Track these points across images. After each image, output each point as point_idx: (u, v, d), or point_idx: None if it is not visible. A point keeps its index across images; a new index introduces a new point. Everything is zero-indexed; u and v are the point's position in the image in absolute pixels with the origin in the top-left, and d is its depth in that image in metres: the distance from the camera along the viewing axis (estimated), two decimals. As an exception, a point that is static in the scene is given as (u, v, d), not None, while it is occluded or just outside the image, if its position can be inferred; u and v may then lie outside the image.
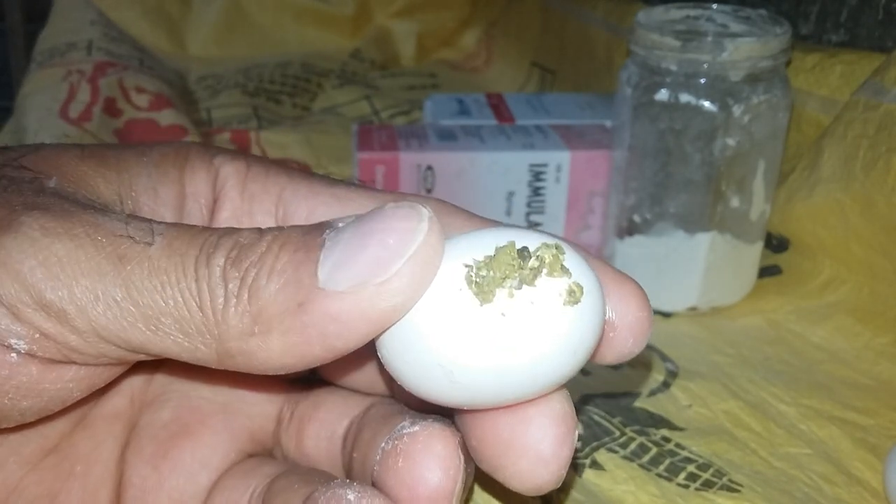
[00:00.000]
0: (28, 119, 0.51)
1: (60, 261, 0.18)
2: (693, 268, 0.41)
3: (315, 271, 0.18)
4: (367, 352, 0.20)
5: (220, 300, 0.18)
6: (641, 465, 0.31)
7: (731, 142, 0.38)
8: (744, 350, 0.39)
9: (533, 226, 0.46)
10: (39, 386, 0.19)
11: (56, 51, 0.59)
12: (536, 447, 0.20)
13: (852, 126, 0.40)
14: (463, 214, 0.22)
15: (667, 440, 0.33)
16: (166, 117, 0.55)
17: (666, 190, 0.40)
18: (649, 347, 0.39)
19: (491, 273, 0.18)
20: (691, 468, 0.31)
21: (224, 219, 0.23)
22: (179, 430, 0.24)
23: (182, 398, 0.24)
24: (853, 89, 0.41)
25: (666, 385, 0.36)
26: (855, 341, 0.39)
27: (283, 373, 0.19)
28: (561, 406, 0.20)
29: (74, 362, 0.19)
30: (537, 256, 0.18)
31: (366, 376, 0.24)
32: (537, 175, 0.45)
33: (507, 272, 0.18)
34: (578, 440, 0.22)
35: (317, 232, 0.19)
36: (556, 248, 0.18)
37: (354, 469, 0.23)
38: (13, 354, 0.18)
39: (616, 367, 0.37)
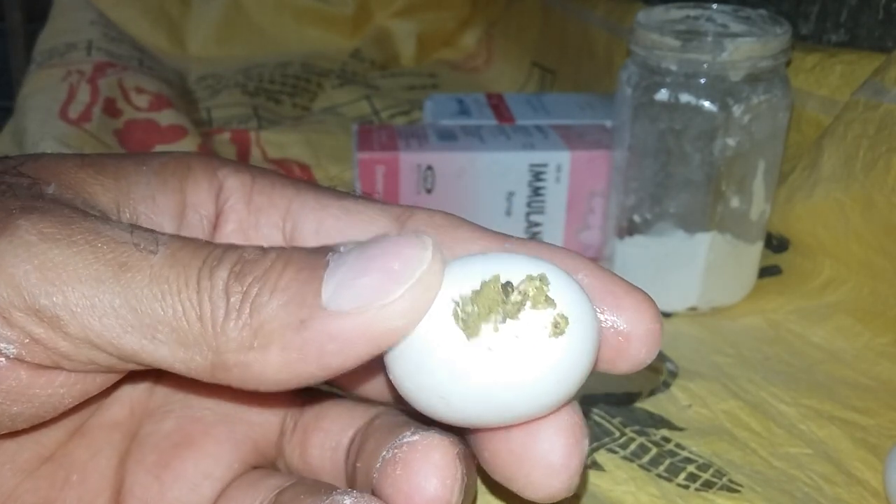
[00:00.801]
0: (28, 120, 0.51)
1: (57, 266, 0.18)
2: (693, 268, 0.41)
3: (319, 290, 0.18)
4: (376, 363, 0.20)
5: (221, 312, 0.18)
6: (641, 466, 0.31)
7: (731, 142, 0.38)
8: (744, 350, 0.39)
9: (533, 226, 0.46)
10: (29, 391, 0.19)
11: (56, 51, 0.59)
12: (547, 458, 0.20)
13: (852, 126, 0.40)
14: (467, 227, 0.22)
15: (667, 440, 0.33)
16: (166, 117, 0.55)
17: (666, 190, 0.40)
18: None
19: (476, 308, 0.18)
20: (691, 468, 0.31)
21: (230, 231, 0.23)
22: (182, 440, 0.23)
23: (185, 408, 0.24)
24: (853, 89, 0.41)
25: (666, 385, 0.36)
26: (855, 341, 0.39)
27: (273, 390, 0.19)
28: (569, 417, 0.21)
29: (63, 368, 0.19)
30: (520, 290, 0.19)
31: (374, 386, 0.24)
32: (537, 175, 0.45)
33: (491, 307, 0.18)
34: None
35: (321, 253, 0.19)
36: (541, 280, 0.19)
37: (358, 479, 0.23)
38: (1, 358, 0.18)
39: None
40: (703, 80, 0.37)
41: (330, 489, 0.22)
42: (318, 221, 0.23)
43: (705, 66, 0.37)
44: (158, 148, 0.52)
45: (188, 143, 0.53)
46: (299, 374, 0.18)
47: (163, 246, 0.19)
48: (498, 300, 0.18)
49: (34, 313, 0.18)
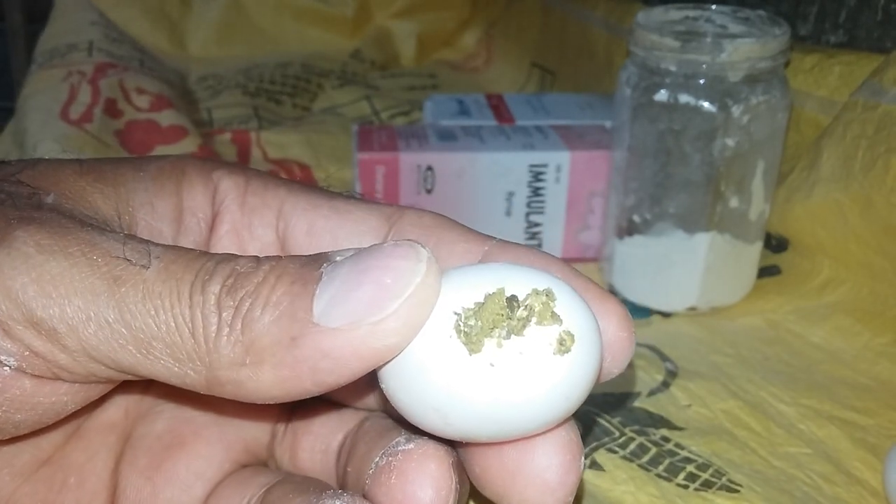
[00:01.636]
0: (29, 120, 0.51)
1: (54, 279, 0.18)
2: (693, 268, 0.41)
3: (310, 306, 0.18)
4: (368, 374, 0.20)
5: (213, 328, 0.18)
6: (641, 466, 0.31)
7: (730, 142, 0.38)
8: (743, 350, 0.39)
9: (533, 226, 0.46)
10: (33, 399, 0.19)
11: (57, 52, 0.59)
12: (542, 475, 0.20)
13: (851, 126, 0.40)
14: (455, 229, 0.22)
15: (666, 440, 0.33)
16: (167, 118, 0.55)
17: (665, 190, 0.40)
18: (649, 347, 0.39)
19: (479, 323, 0.18)
20: (691, 468, 0.31)
21: (224, 232, 0.23)
22: (174, 442, 0.24)
23: (176, 410, 0.24)
24: (852, 90, 0.41)
25: (665, 385, 0.36)
26: (854, 341, 0.39)
27: (269, 403, 0.19)
28: (566, 433, 0.20)
29: (63, 380, 0.19)
30: (526, 306, 0.18)
31: (359, 394, 0.24)
32: (537, 175, 0.45)
33: (496, 322, 0.18)
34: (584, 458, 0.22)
35: (315, 264, 0.18)
36: (547, 295, 0.18)
37: (349, 483, 0.23)
38: (6, 368, 0.18)
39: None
40: (702, 81, 0.38)
41: (319, 487, 0.22)
42: (309, 222, 0.23)
43: (704, 66, 0.37)
44: (159, 148, 0.52)
45: (189, 144, 0.53)
46: (293, 390, 0.18)
47: (156, 259, 0.18)
48: (503, 315, 0.18)
49: (32, 326, 0.18)
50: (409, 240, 0.18)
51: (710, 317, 0.42)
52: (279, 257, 0.19)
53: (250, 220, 0.23)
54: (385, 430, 0.22)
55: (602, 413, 0.34)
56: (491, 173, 0.45)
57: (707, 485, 0.30)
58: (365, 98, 0.70)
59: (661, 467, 0.31)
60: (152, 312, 0.18)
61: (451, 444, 0.21)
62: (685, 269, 0.41)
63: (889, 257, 0.39)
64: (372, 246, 0.18)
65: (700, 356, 0.38)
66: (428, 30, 0.82)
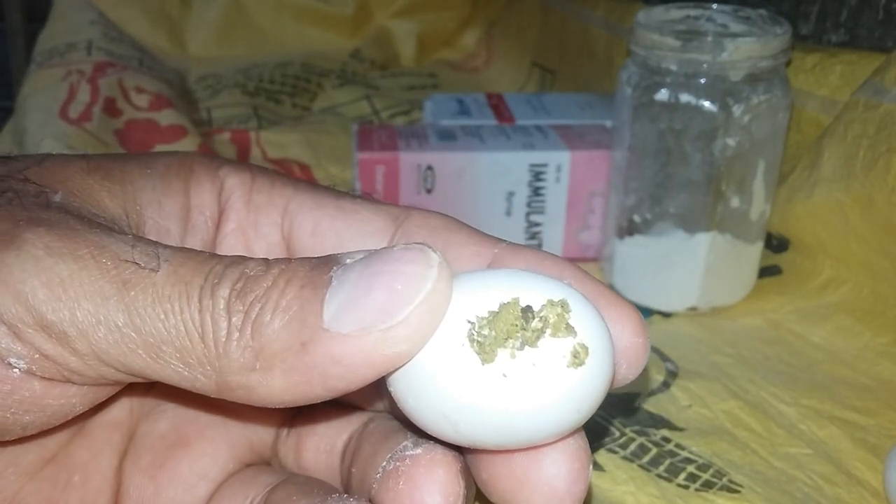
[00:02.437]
0: (28, 119, 0.51)
1: (63, 282, 0.18)
2: (693, 268, 0.41)
3: (320, 311, 0.17)
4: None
5: (223, 333, 0.18)
6: (641, 466, 0.31)
7: (731, 142, 0.38)
8: (744, 350, 0.39)
9: (533, 226, 0.46)
10: (43, 401, 0.19)
11: (56, 51, 0.59)
12: (550, 484, 0.20)
13: (852, 126, 0.40)
14: (463, 231, 0.22)
15: (667, 440, 0.33)
16: (166, 117, 0.55)
17: (666, 190, 0.40)
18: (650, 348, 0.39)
19: (493, 333, 0.18)
20: (691, 468, 0.31)
21: (230, 231, 0.23)
22: (177, 441, 0.23)
23: (180, 408, 0.24)
24: (853, 89, 0.41)
25: (666, 385, 0.36)
26: (855, 341, 0.39)
27: (280, 407, 0.19)
28: (575, 441, 0.20)
29: (73, 383, 0.19)
30: (541, 317, 0.18)
31: (365, 396, 0.24)
32: (537, 175, 0.45)
33: (510, 332, 0.18)
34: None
35: (324, 268, 0.18)
36: (562, 307, 0.18)
37: (353, 485, 0.23)
38: (15, 370, 0.18)
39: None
40: (703, 80, 0.37)
41: (323, 488, 0.22)
42: (314, 221, 0.23)
43: (705, 66, 0.37)
44: (158, 148, 0.52)
45: (188, 143, 0.53)
46: (304, 396, 0.18)
47: (165, 262, 0.18)
48: (517, 325, 0.18)
49: (42, 329, 0.18)
50: (419, 243, 0.18)
51: (711, 317, 0.42)
52: (288, 260, 0.19)
53: (256, 218, 0.23)
54: (391, 433, 0.22)
55: (602, 413, 0.34)
56: (491, 173, 0.45)
57: (708, 485, 0.30)
58: (365, 98, 0.70)
59: (661, 468, 0.31)
60: (162, 316, 0.18)
61: (459, 449, 0.21)
62: (686, 269, 0.41)
63: (890, 257, 0.39)
64: (382, 249, 0.18)
65: (700, 356, 0.38)
66: (428, 29, 0.82)
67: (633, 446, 0.32)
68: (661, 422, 0.34)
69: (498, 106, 0.53)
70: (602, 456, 0.32)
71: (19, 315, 0.18)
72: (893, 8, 0.45)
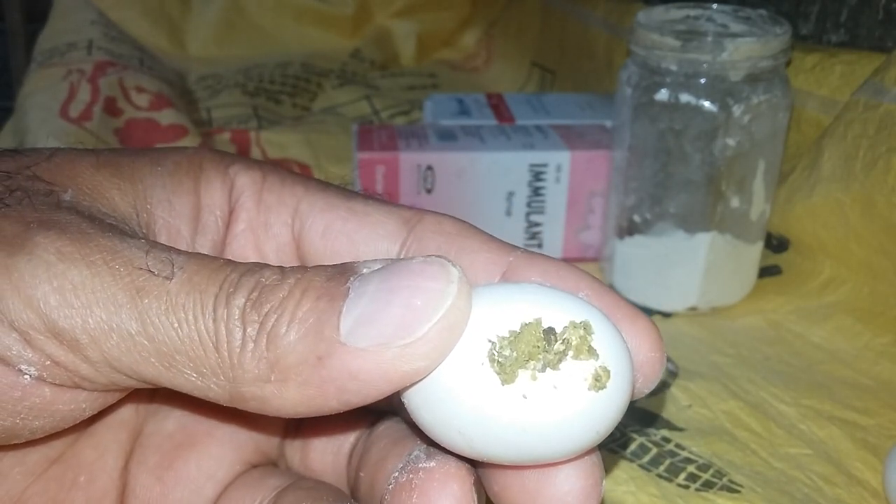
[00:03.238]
0: (29, 118, 0.51)
1: (75, 288, 0.17)
2: (693, 268, 0.41)
3: (337, 324, 0.17)
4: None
5: (238, 343, 0.18)
6: (642, 466, 0.31)
7: (731, 142, 0.38)
8: (744, 350, 0.39)
9: (533, 226, 0.46)
10: (52, 407, 0.19)
11: (56, 51, 0.59)
12: (563, 500, 0.20)
13: (852, 126, 0.40)
14: (476, 237, 0.22)
15: (667, 440, 0.33)
16: (166, 117, 0.55)
17: (666, 190, 0.40)
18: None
19: (514, 354, 0.17)
20: (691, 468, 0.31)
21: (240, 231, 0.23)
22: (185, 441, 0.23)
23: (187, 408, 0.24)
24: (853, 89, 0.41)
25: (666, 385, 0.36)
26: (855, 341, 0.39)
27: (293, 417, 0.18)
28: (589, 458, 0.20)
29: (84, 389, 0.19)
30: (564, 339, 0.18)
31: (376, 402, 0.24)
32: (537, 175, 0.45)
33: (532, 354, 0.17)
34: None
35: (341, 279, 0.18)
36: (584, 329, 0.18)
37: (361, 489, 0.22)
38: (26, 377, 0.18)
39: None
40: (703, 80, 0.37)
41: (332, 493, 0.22)
42: (325, 223, 0.22)
43: (705, 66, 0.37)
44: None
45: (189, 143, 0.53)
46: (318, 408, 0.18)
47: (179, 270, 0.18)
48: (539, 347, 0.17)
49: (54, 336, 0.18)
50: (438, 256, 0.18)
51: (711, 317, 0.42)
52: (304, 269, 0.18)
53: (266, 218, 0.23)
54: (400, 438, 0.22)
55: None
56: (491, 173, 0.45)
57: (708, 485, 0.30)
58: (365, 98, 0.70)
59: (661, 467, 0.31)
60: (175, 325, 0.18)
61: (471, 461, 0.21)
62: (686, 269, 0.41)
63: (890, 257, 0.39)
64: (400, 261, 0.18)
65: (700, 356, 0.38)
66: (428, 30, 0.82)
67: (633, 446, 0.32)
68: (661, 422, 0.34)
69: (498, 106, 0.53)
70: (602, 456, 0.32)
71: (31, 321, 0.18)
72: (893, 8, 0.45)
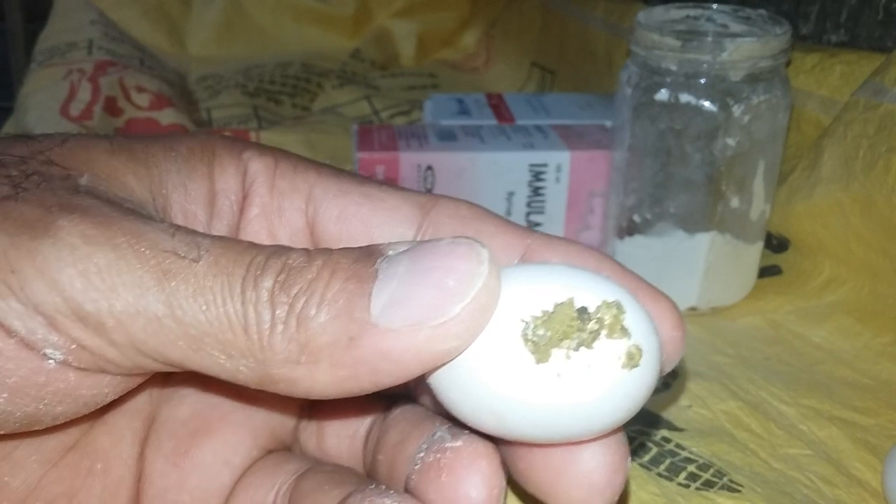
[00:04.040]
0: (29, 118, 0.51)
1: (101, 271, 0.17)
2: (693, 268, 0.41)
3: (368, 305, 0.17)
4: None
5: (267, 325, 0.18)
6: (642, 465, 0.31)
7: (731, 142, 0.38)
8: (744, 350, 0.39)
9: (533, 226, 0.46)
10: (76, 392, 0.19)
11: (57, 50, 0.59)
12: (590, 476, 0.20)
13: (852, 126, 0.40)
14: (492, 220, 0.22)
15: (667, 440, 0.33)
16: (167, 116, 0.55)
17: (666, 190, 0.40)
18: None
19: (548, 333, 0.18)
20: (692, 468, 0.31)
21: (254, 216, 0.23)
22: (200, 427, 0.23)
23: (201, 393, 0.24)
24: (853, 89, 0.41)
25: (666, 385, 0.36)
26: (855, 341, 0.39)
27: (320, 399, 0.19)
28: (614, 435, 0.20)
29: (109, 373, 0.19)
30: (597, 319, 0.18)
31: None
32: (537, 175, 0.45)
33: (566, 333, 0.18)
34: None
35: (368, 260, 0.18)
36: (617, 308, 0.18)
37: (380, 472, 0.22)
38: (50, 361, 0.18)
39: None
40: (703, 80, 0.37)
41: (353, 477, 0.22)
42: (340, 208, 0.22)
43: (705, 66, 0.37)
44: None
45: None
46: (349, 389, 0.18)
47: (205, 252, 0.18)
48: (573, 326, 0.18)
49: (80, 319, 0.18)
50: (466, 237, 0.18)
51: (711, 317, 0.42)
52: (330, 251, 0.19)
53: (280, 203, 0.23)
54: (419, 421, 0.22)
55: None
56: (491, 173, 0.45)
57: (708, 484, 0.30)
58: (365, 98, 0.70)
59: (661, 467, 0.31)
60: (203, 308, 0.18)
61: (493, 440, 0.21)
62: (685, 269, 0.41)
63: (890, 257, 0.39)
64: (428, 242, 0.18)
65: (700, 356, 0.38)
66: (428, 30, 0.82)
67: (633, 445, 0.32)
68: (660, 422, 0.34)
69: (498, 106, 0.53)
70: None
71: (56, 305, 0.17)
72: (893, 8, 0.45)
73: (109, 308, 0.17)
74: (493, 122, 0.50)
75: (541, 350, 0.18)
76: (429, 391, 0.20)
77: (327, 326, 0.17)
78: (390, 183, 0.23)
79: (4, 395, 0.18)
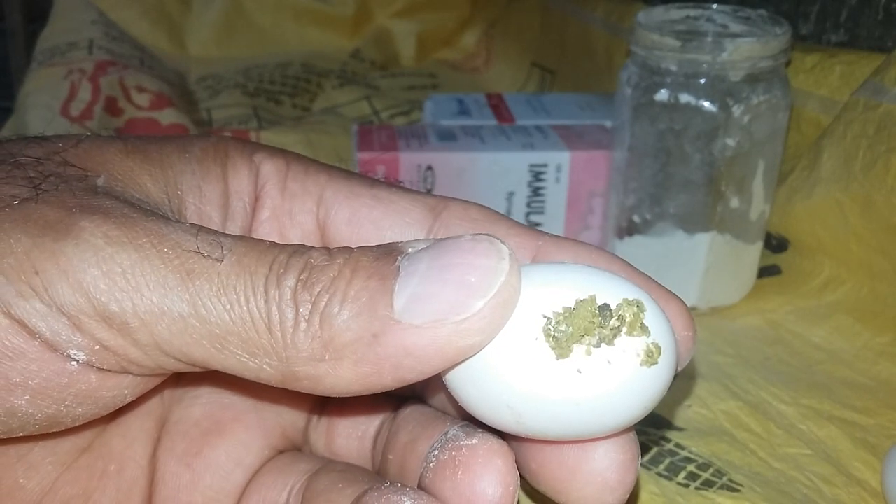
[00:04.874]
0: (29, 118, 0.51)
1: (125, 272, 0.18)
2: (693, 268, 0.41)
3: (390, 301, 0.17)
4: None
5: (290, 323, 0.18)
6: (642, 465, 0.31)
7: (730, 142, 0.38)
8: (743, 350, 0.39)
9: (533, 226, 0.46)
10: (97, 393, 0.19)
11: (57, 50, 0.59)
12: (603, 475, 0.20)
13: (852, 126, 0.40)
14: (506, 224, 0.22)
15: (667, 440, 0.33)
16: (167, 116, 0.55)
17: (666, 190, 0.40)
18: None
19: (570, 329, 0.18)
20: (691, 468, 0.31)
21: (265, 218, 0.23)
22: (212, 428, 0.23)
23: (213, 394, 0.24)
24: (853, 89, 0.41)
25: (666, 385, 0.36)
26: (854, 341, 0.39)
27: (343, 396, 0.19)
28: (626, 433, 0.20)
29: (131, 373, 0.19)
30: (619, 316, 0.18)
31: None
32: (537, 175, 0.45)
33: (587, 330, 0.18)
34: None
35: (389, 258, 0.18)
36: (638, 306, 0.18)
37: (390, 472, 0.23)
38: (73, 363, 0.18)
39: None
40: (703, 81, 0.38)
41: (366, 476, 0.22)
42: (351, 210, 0.23)
43: (705, 66, 0.37)
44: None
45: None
46: (372, 386, 0.18)
47: (228, 252, 0.18)
48: (595, 323, 0.18)
49: (104, 320, 0.18)
50: (486, 235, 0.18)
51: (711, 317, 0.42)
52: (350, 249, 0.19)
53: (291, 205, 0.23)
54: (429, 420, 0.22)
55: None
56: (491, 173, 0.45)
57: (708, 484, 0.30)
58: (365, 98, 0.70)
59: (661, 466, 0.31)
60: (227, 307, 0.18)
61: (506, 439, 0.21)
62: (685, 269, 0.41)
63: (889, 257, 0.39)
64: (449, 239, 0.18)
65: (700, 356, 0.38)
66: (428, 30, 0.82)
67: (632, 446, 0.32)
68: (660, 422, 0.34)
69: (498, 106, 0.53)
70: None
71: (80, 306, 0.17)
72: (893, 8, 0.45)
73: (134, 308, 0.18)
74: (493, 122, 0.50)
75: (562, 346, 0.18)
76: (438, 391, 0.20)
77: (350, 324, 0.17)
78: (398, 185, 0.24)
79: (27, 398, 0.18)
